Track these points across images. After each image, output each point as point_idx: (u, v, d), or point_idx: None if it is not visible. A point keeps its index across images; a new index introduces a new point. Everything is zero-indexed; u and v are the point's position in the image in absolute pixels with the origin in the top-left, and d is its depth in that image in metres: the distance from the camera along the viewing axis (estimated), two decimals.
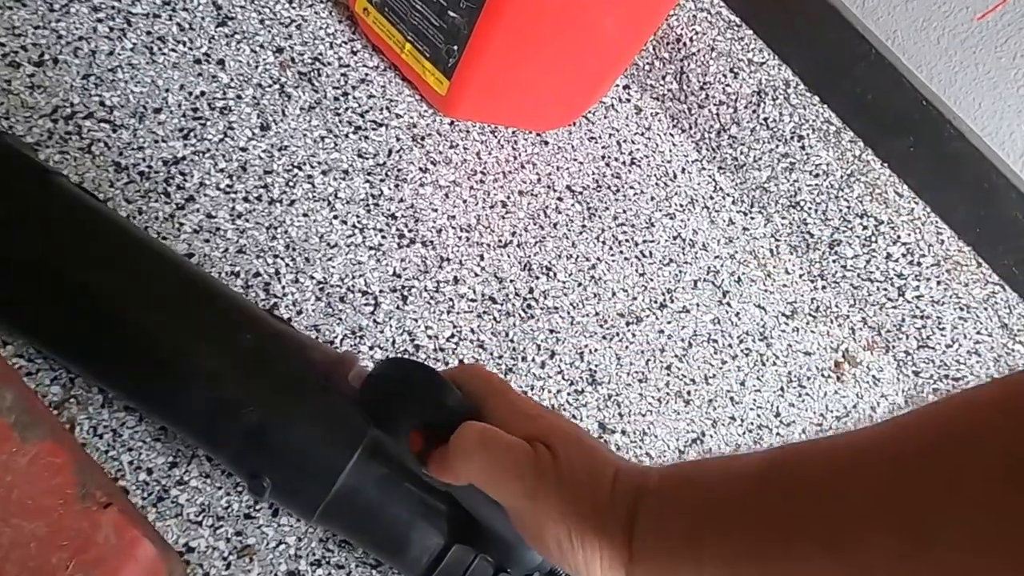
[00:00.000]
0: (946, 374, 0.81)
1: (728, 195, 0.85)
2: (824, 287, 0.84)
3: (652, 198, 0.81)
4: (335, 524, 0.50)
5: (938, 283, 0.77)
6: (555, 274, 0.72)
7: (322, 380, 0.48)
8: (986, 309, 0.77)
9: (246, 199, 0.62)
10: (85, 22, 0.63)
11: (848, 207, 0.79)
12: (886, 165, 0.78)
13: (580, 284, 0.73)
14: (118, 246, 0.50)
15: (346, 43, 0.72)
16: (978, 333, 0.78)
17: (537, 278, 0.71)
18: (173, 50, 0.65)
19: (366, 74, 0.72)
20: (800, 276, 0.84)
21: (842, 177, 0.77)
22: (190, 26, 0.67)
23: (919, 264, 0.77)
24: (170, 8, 0.67)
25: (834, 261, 0.82)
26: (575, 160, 0.78)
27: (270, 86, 0.68)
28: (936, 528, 0.20)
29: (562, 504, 0.31)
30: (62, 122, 0.59)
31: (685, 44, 0.78)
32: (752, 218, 0.85)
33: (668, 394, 0.72)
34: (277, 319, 0.52)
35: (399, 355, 0.62)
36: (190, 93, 0.64)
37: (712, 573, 0.27)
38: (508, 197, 0.73)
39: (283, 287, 0.61)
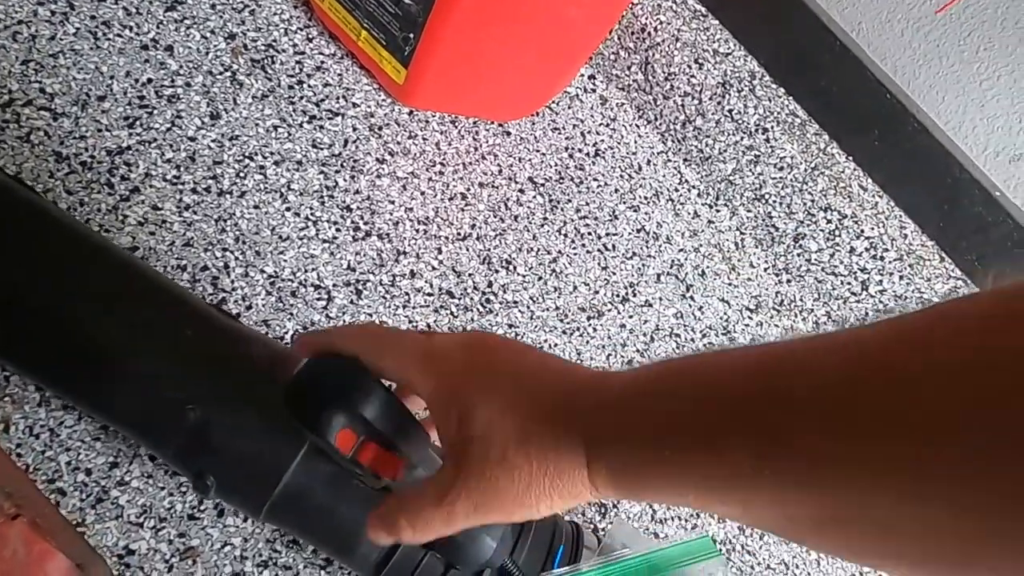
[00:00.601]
0: None
1: (693, 187, 0.84)
2: (789, 281, 0.84)
3: (616, 190, 0.80)
4: (283, 522, 0.49)
5: (901, 277, 0.77)
6: (515, 268, 0.71)
7: (268, 377, 0.47)
8: None
9: (194, 190, 0.60)
10: (25, 5, 0.60)
11: (812, 200, 0.78)
12: (851, 159, 0.78)
13: (540, 278, 0.72)
14: (56, 239, 0.48)
15: (301, 30, 0.70)
16: None
17: (496, 272, 0.70)
18: (119, 35, 0.63)
19: (322, 62, 0.70)
20: (765, 270, 0.84)
21: (807, 170, 0.77)
22: (137, 10, 0.65)
23: (882, 258, 0.77)
24: None
25: (799, 255, 0.82)
26: (538, 151, 0.77)
27: (221, 73, 0.66)
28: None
29: (528, 464, 0.28)
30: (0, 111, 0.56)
31: (650, 34, 0.77)
32: (717, 211, 0.84)
33: None
34: (223, 314, 0.51)
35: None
36: (136, 80, 0.62)
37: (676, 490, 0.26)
38: (468, 189, 0.72)
39: (232, 281, 0.59)
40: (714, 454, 0.24)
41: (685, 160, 0.84)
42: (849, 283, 0.80)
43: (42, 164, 0.56)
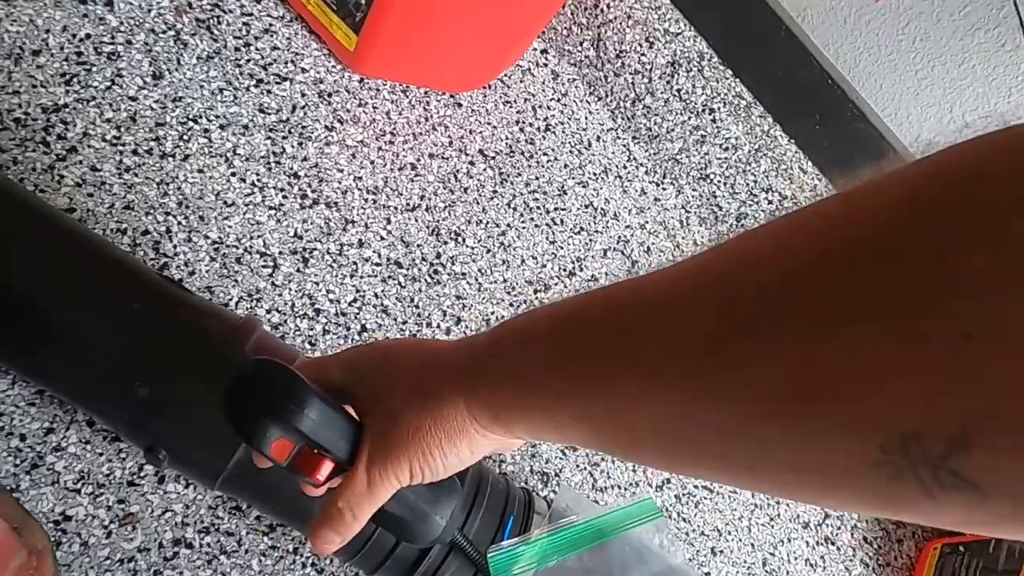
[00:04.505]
0: None
1: (641, 165, 0.85)
2: None
3: (566, 165, 0.80)
4: (238, 493, 0.49)
5: None
6: (464, 240, 0.71)
7: (218, 348, 0.46)
8: None
9: (135, 152, 0.59)
10: None
11: (755, 181, 0.80)
12: (793, 141, 0.80)
13: (489, 251, 0.72)
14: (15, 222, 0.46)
15: None
16: None
17: (445, 243, 0.70)
18: None
19: (270, 24, 0.69)
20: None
21: (750, 152, 0.79)
22: None
23: None
24: None
25: None
26: (489, 124, 0.77)
27: (164, 32, 0.64)
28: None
29: (417, 432, 0.33)
30: None
31: (603, 10, 0.78)
32: (664, 189, 0.86)
33: None
34: (171, 282, 0.50)
35: (295, 321, 0.60)
36: (74, 36, 0.60)
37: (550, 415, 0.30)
38: (418, 159, 0.72)
39: (175, 246, 0.58)
40: (542, 387, 0.29)
41: (634, 138, 0.86)
42: None
43: None
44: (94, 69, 0.60)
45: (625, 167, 0.84)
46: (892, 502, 0.21)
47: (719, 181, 0.82)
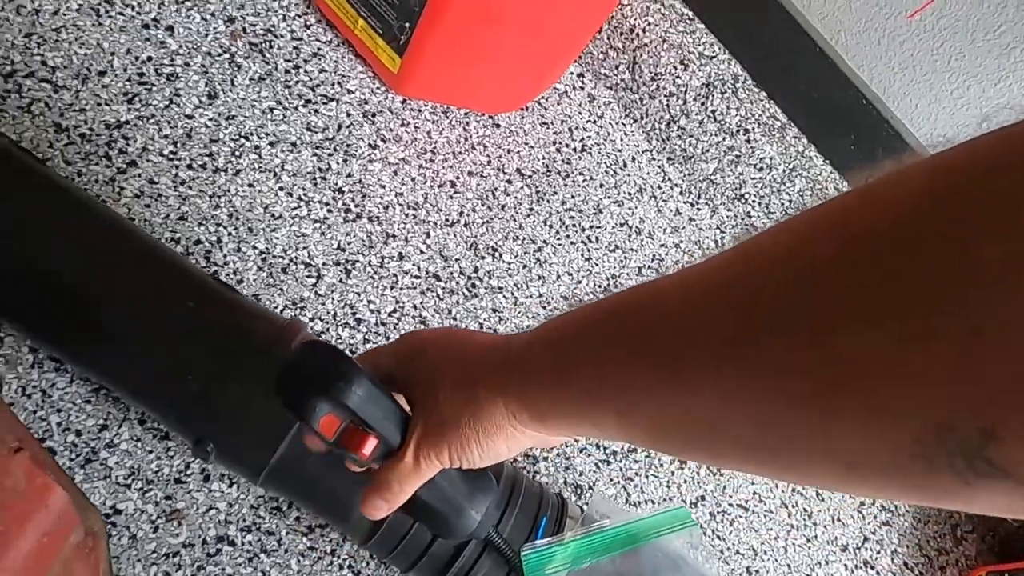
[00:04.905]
0: None
1: (676, 185, 0.86)
2: None
3: (601, 185, 0.82)
4: (280, 488, 0.50)
5: None
6: (501, 255, 0.73)
7: (266, 347, 0.48)
8: None
9: (190, 166, 0.62)
10: None
11: (790, 201, 0.81)
12: (828, 162, 0.81)
13: (525, 266, 0.74)
14: (58, 206, 0.49)
15: (299, 16, 0.72)
16: None
17: (483, 258, 0.72)
18: (121, 13, 0.64)
19: (318, 48, 0.72)
20: None
21: (785, 171, 0.79)
22: None
23: None
24: None
25: None
26: (526, 144, 0.79)
27: (220, 55, 0.67)
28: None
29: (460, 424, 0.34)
30: (1, 79, 0.58)
31: (638, 34, 0.80)
32: (699, 209, 0.86)
33: None
34: (224, 286, 0.52)
35: (337, 329, 0.62)
36: (136, 58, 0.64)
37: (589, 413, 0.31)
38: (457, 177, 0.74)
39: (224, 256, 0.60)
40: (575, 383, 0.30)
41: (669, 159, 0.87)
42: None
43: (42, 134, 0.58)
44: (154, 89, 0.63)
45: (660, 187, 0.85)
46: (928, 490, 0.21)
47: (754, 201, 0.83)
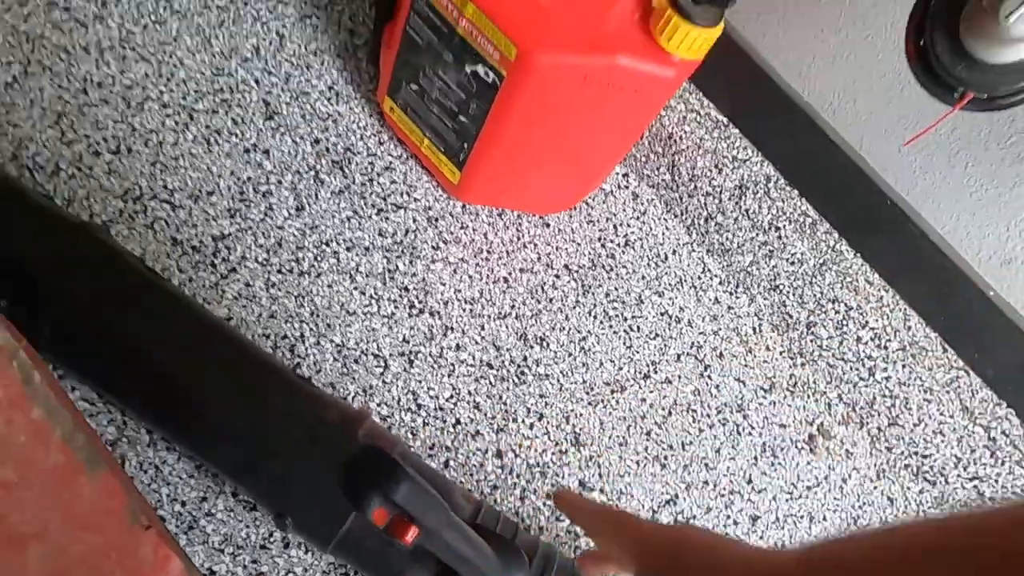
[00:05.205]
0: (915, 451, 0.87)
1: (715, 276, 0.93)
2: (803, 364, 0.91)
3: (643, 277, 0.89)
4: (346, 557, 0.58)
5: (904, 366, 0.83)
6: (548, 344, 0.80)
7: (337, 436, 0.57)
8: (948, 392, 0.83)
9: (279, 271, 0.72)
10: (156, 117, 0.75)
11: (822, 292, 0.86)
12: (859, 255, 0.86)
13: (571, 354, 0.81)
14: (171, 311, 0.60)
15: (374, 135, 0.83)
16: (941, 415, 0.84)
17: (531, 347, 0.80)
18: (227, 141, 0.77)
19: (390, 162, 0.83)
20: (780, 353, 0.91)
21: (815, 265, 0.85)
22: (242, 120, 0.78)
23: (886, 347, 0.84)
24: (227, 105, 0.78)
25: (811, 341, 0.89)
26: (573, 241, 0.87)
27: (306, 172, 0.78)
28: None
29: None
30: (131, 202, 0.70)
31: (676, 141, 0.88)
32: (737, 298, 0.92)
33: (646, 458, 0.79)
34: (301, 378, 0.62)
35: (400, 413, 0.71)
36: (238, 178, 0.75)
37: None
38: (510, 274, 0.82)
39: (306, 349, 0.70)
40: None
41: (708, 251, 0.93)
42: (857, 369, 0.87)
43: (161, 247, 0.69)
44: (252, 205, 0.75)
45: (700, 278, 0.92)
46: None
47: (788, 291, 0.88)
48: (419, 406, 0.72)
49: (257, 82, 0.81)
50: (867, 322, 0.84)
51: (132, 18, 0.78)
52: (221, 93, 0.78)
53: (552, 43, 0.63)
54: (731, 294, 0.92)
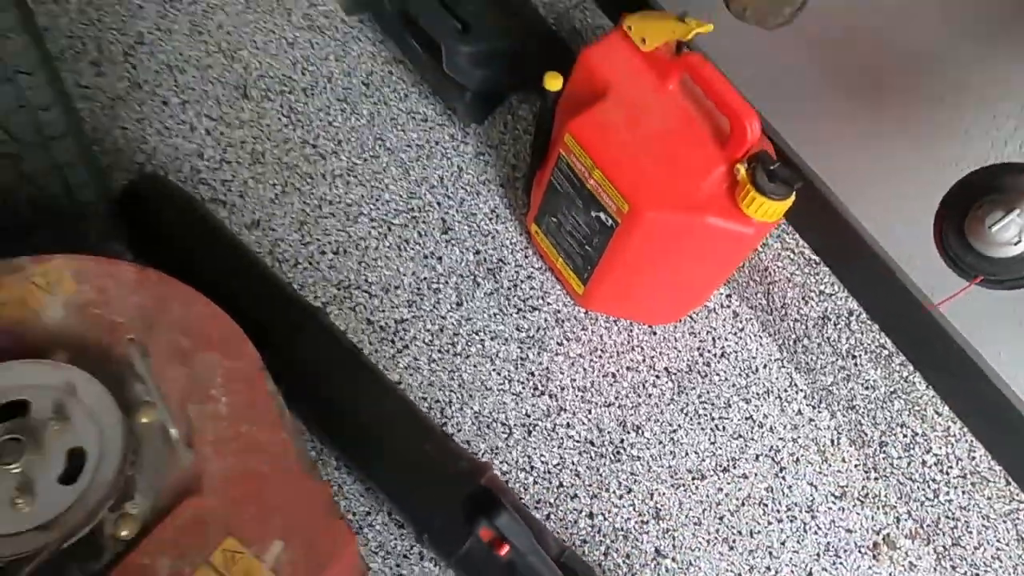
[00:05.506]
0: (976, 573, 0.95)
1: (801, 391, 1.07)
2: (876, 478, 1.02)
3: (734, 385, 1.05)
4: (465, 571, 0.79)
5: (963, 492, 0.93)
6: (643, 432, 0.98)
7: (467, 479, 0.78)
8: (1005, 522, 0.91)
9: (439, 351, 0.96)
10: (365, 228, 1.02)
11: (892, 417, 0.98)
12: (930, 387, 0.97)
13: (661, 443, 0.98)
14: (363, 376, 0.85)
15: (522, 250, 1.06)
16: (998, 542, 0.92)
17: (628, 433, 0.98)
18: (412, 248, 1.02)
19: (531, 273, 1.05)
20: (855, 466, 1.03)
21: (887, 392, 0.97)
22: (425, 232, 1.04)
23: (947, 473, 0.94)
24: (415, 220, 1.04)
25: (883, 458, 1.00)
26: (675, 348, 1.05)
27: (467, 275, 1.03)
28: None
29: None
30: (342, 290, 0.97)
31: (771, 272, 1.04)
32: (819, 412, 1.06)
33: (716, 538, 0.94)
34: (445, 435, 0.84)
35: (517, 472, 0.91)
36: (417, 277, 1.00)
37: None
38: (618, 371, 1.01)
39: (452, 412, 0.93)
40: None
41: (796, 368, 1.08)
42: (923, 490, 0.97)
43: (359, 325, 0.95)
44: (425, 298, 0.99)
45: (786, 391, 1.06)
46: None
47: (863, 412, 1.01)
48: (532, 468, 0.92)
49: (439, 204, 1.07)
50: (931, 448, 0.95)
51: (356, 153, 1.07)
52: (412, 212, 1.05)
53: (656, 202, 0.84)
54: (813, 408, 1.06)
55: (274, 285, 0.88)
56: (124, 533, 0.57)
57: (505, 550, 0.62)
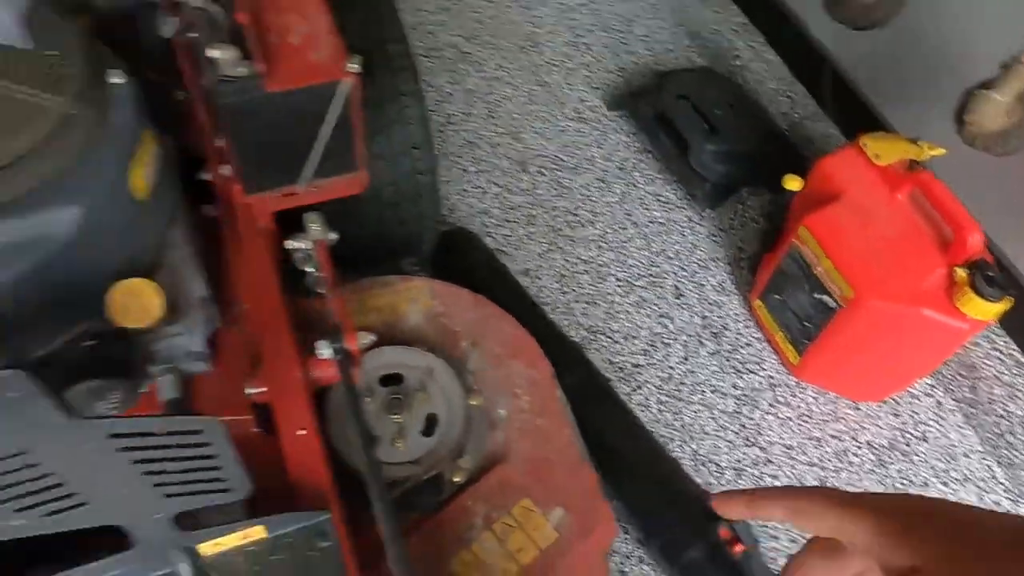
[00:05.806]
0: None
1: (1001, 483, 1.13)
2: None
3: (932, 467, 1.14)
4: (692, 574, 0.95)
5: None
6: None
7: (695, 500, 0.95)
8: None
9: (667, 395, 1.14)
10: (611, 285, 1.23)
11: None
12: None
13: None
14: (612, 405, 1.04)
15: (744, 321, 1.23)
16: None
17: None
18: (649, 307, 1.22)
19: (750, 340, 1.21)
20: None
21: None
22: (660, 296, 1.23)
23: None
24: (653, 284, 1.24)
25: None
26: (877, 425, 1.16)
27: (693, 336, 1.20)
28: None
29: None
30: (592, 335, 1.18)
31: (978, 369, 1.13)
32: (1019, 506, 1.11)
33: None
34: (675, 463, 1.01)
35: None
36: (651, 331, 1.20)
37: None
38: (822, 436, 1.14)
39: (673, 448, 1.10)
40: None
41: (999, 462, 1.15)
42: None
43: (602, 365, 1.15)
44: (656, 349, 1.18)
45: (985, 481, 1.13)
46: None
47: None
48: None
49: (674, 273, 1.26)
50: None
51: (609, 224, 1.30)
52: (651, 277, 1.25)
53: (879, 292, 0.98)
54: (1013, 502, 1.12)
55: (547, 323, 1.10)
56: (457, 479, 0.79)
57: (739, 548, 0.78)
